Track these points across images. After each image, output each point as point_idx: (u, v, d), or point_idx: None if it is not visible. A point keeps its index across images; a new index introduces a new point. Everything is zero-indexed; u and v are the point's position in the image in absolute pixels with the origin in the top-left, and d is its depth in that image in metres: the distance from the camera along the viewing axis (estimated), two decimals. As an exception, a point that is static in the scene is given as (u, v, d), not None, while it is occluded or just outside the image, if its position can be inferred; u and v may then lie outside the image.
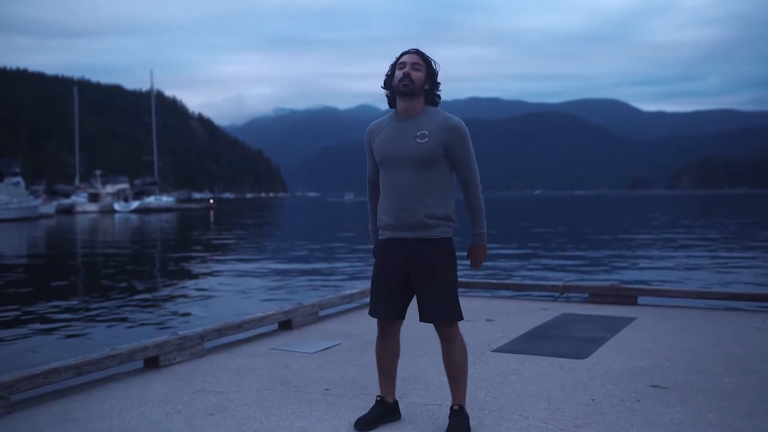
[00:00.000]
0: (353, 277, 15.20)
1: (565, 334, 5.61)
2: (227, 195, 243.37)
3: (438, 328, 3.34)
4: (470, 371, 4.37)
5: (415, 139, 3.26)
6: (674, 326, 5.90)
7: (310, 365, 4.76)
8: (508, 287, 8.01)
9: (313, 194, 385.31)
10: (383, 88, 3.41)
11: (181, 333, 5.00)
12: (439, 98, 3.38)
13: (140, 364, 4.75)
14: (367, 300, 7.30)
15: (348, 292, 7.12)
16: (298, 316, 6.14)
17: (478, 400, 3.86)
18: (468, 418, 3.34)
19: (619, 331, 5.70)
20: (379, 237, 3.45)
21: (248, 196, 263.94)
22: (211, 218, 57.32)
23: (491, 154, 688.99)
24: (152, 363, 4.73)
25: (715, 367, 4.53)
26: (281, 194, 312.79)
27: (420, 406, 3.77)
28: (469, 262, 3.46)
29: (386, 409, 3.51)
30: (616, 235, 29.05)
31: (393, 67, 3.36)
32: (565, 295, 7.42)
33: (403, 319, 3.46)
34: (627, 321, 6.11)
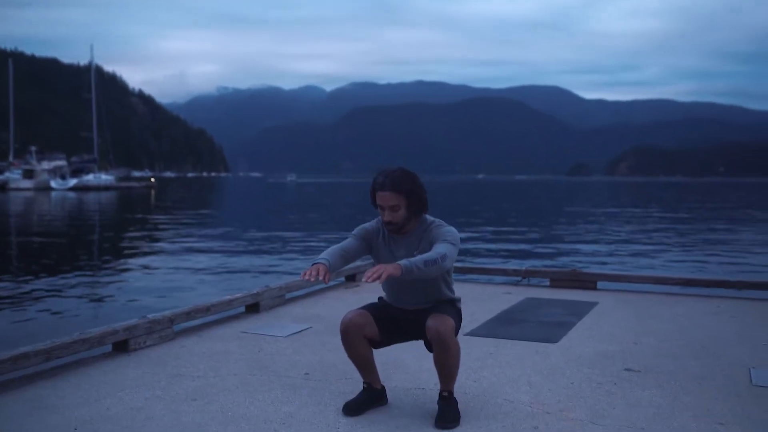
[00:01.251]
0: (304, 254, 15.11)
1: (533, 319, 5.70)
2: (168, 174, 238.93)
3: (436, 333, 3.21)
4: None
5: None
6: (635, 311, 6.06)
7: (285, 349, 4.71)
8: (471, 271, 8.08)
9: (255, 174, 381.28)
10: (372, 204, 3.44)
11: (150, 316, 4.88)
12: (426, 208, 3.38)
13: (108, 348, 4.62)
14: (334, 283, 7.30)
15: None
16: (266, 299, 6.07)
17: (461, 384, 3.87)
18: (457, 402, 3.36)
19: (584, 316, 5.82)
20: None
21: (189, 175, 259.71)
22: (153, 198, 56.19)
23: (436, 138, 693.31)
24: (121, 347, 4.61)
25: (681, 352, 4.67)
26: (223, 174, 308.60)
27: (404, 390, 3.78)
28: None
29: (373, 395, 3.50)
30: (563, 220, 29.65)
31: (372, 194, 3.36)
32: (527, 279, 7.53)
33: (376, 347, 3.50)
34: (590, 305, 6.25)
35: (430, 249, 3.26)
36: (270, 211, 38.08)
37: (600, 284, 7.25)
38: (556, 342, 4.92)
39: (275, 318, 5.76)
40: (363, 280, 2.95)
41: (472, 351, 4.61)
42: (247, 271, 12.99)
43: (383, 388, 3.57)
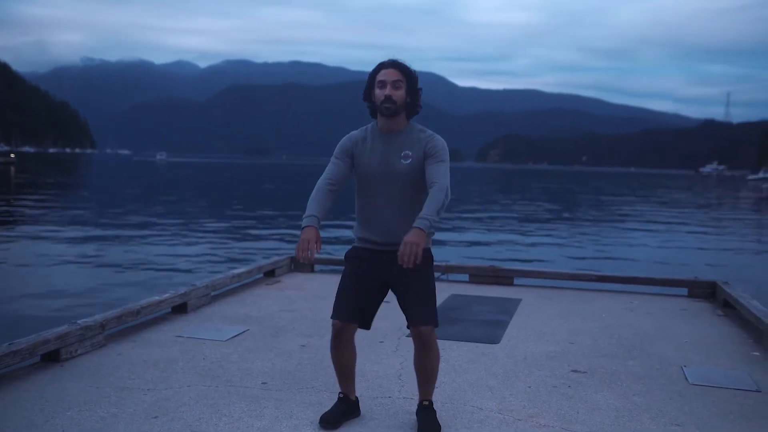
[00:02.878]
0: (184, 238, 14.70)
1: (467, 317, 5.80)
2: (27, 149, 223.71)
3: (419, 334, 3.25)
4: (397, 359, 4.43)
5: (400, 159, 3.24)
6: (559, 309, 6.30)
7: (230, 355, 4.54)
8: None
9: (124, 152, 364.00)
10: (363, 100, 3.32)
11: (81, 322, 4.55)
12: (420, 108, 3.32)
13: (35, 359, 4.27)
14: (254, 278, 7.11)
15: (236, 271, 6.86)
16: (193, 299, 5.83)
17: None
18: (435, 412, 3.37)
19: (513, 314, 5.99)
20: (355, 243, 3.39)
21: (51, 150, 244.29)
22: (12, 175, 52.57)
23: (311, 119, 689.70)
24: (52, 357, 4.27)
25: (616, 351, 4.90)
26: (89, 150, 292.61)
27: (371, 399, 3.74)
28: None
29: (349, 406, 3.45)
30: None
31: (371, 79, 3.27)
32: (446, 275, 7.65)
33: (366, 327, 3.39)
34: (515, 303, 6.44)
35: (423, 158, 3.20)
36: (136, 194, 36.60)
37: (517, 280, 7.49)
38: (498, 342, 5.04)
39: (205, 319, 5.54)
40: (403, 266, 2.90)
41: (421, 354, 4.62)
42: (119, 265, 12.44)
43: (357, 399, 3.52)
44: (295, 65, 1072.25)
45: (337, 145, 3.36)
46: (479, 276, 7.48)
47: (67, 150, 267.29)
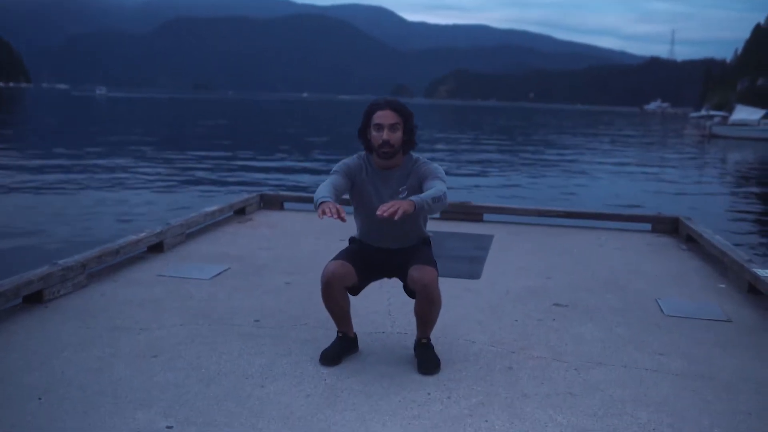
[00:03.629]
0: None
1: (445, 254, 5.87)
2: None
3: (423, 287, 3.24)
4: (384, 295, 4.49)
5: (398, 196, 3.28)
6: (530, 244, 6.44)
7: (217, 294, 4.54)
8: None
9: (62, 86, 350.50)
10: (358, 137, 3.36)
11: (62, 262, 4.47)
12: (416, 143, 3.36)
13: (17, 301, 4.19)
14: (225, 216, 7.05)
15: (209, 209, 6.78)
16: (169, 237, 5.76)
17: (412, 326, 3.92)
18: (433, 347, 3.45)
19: (488, 250, 6.10)
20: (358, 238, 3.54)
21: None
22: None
23: (257, 54, 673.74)
24: (34, 299, 4.20)
25: (592, 285, 5.05)
26: (24, 85, 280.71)
27: (365, 335, 3.79)
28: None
29: (348, 343, 3.51)
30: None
31: (366, 119, 3.29)
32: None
33: (354, 293, 3.49)
34: (488, 239, 6.55)
35: (418, 185, 3.28)
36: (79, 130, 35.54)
37: (486, 216, 7.60)
38: (479, 278, 5.14)
39: (183, 258, 5.50)
40: (378, 214, 2.89)
41: (407, 290, 4.69)
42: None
43: (356, 335, 3.57)
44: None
45: (338, 164, 3.39)
46: (450, 212, 7.55)
47: (1, 84, 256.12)
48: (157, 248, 5.63)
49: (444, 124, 60.14)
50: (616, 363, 3.51)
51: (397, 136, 3.25)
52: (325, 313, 4.01)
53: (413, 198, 3.01)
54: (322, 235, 6.54)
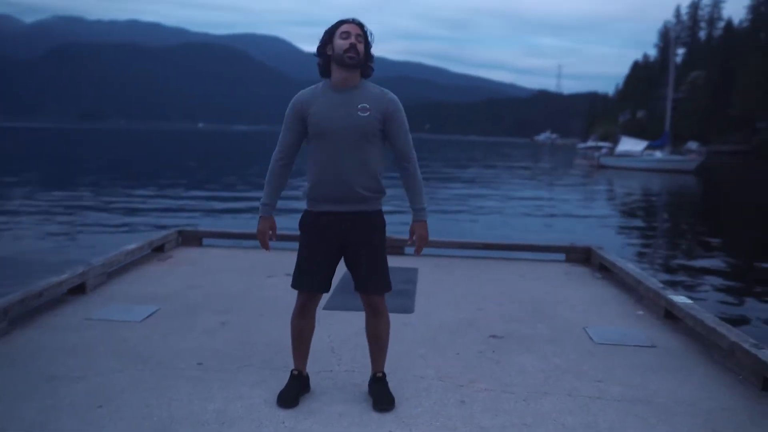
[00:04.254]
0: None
1: (375, 288, 5.92)
2: None
3: (369, 301, 3.38)
4: (323, 331, 4.49)
5: (357, 112, 3.24)
6: (455, 276, 6.58)
7: (152, 336, 4.40)
8: (282, 238, 8.04)
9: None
10: (316, 56, 3.28)
11: (-17, 308, 4.22)
12: (372, 70, 3.35)
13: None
14: (144, 254, 6.84)
15: (129, 247, 6.54)
16: (91, 278, 5.53)
17: (359, 362, 3.98)
18: (388, 384, 3.48)
19: (416, 283, 6.20)
20: (309, 209, 3.35)
21: None
22: None
23: (150, 83, 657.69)
24: (-45, 347, 3.95)
25: (522, 315, 5.23)
26: None
27: (314, 374, 3.75)
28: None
29: (302, 382, 3.49)
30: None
31: (329, 34, 3.25)
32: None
33: (327, 291, 3.43)
34: (413, 272, 6.65)
35: (383, 117, 3.26)
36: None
37: (407, 249, 7.71)
38: (413, 312, 5.21)
39: (108, 299, 5.29)
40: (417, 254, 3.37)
41: (346, 326, 4.70)
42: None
43: (308, 375, 3.55)
44: (133, 24, 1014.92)
45: (286, 113, 3.34)
46: (372, 246, 7.61)
47: None
48: (78, 290, 5.40)
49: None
50: (561, 392, 3.65)
51: (361, 47, 3.23)
52: (269, 354, 4.01)
53: (422, 217, 3.36)
54: (246, 272, 6.46)
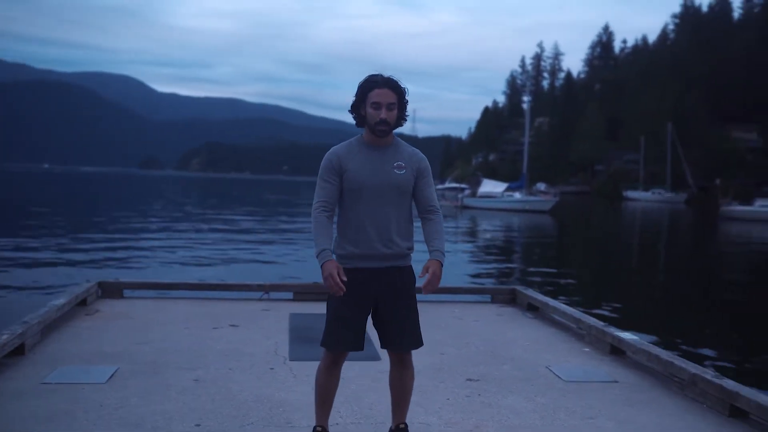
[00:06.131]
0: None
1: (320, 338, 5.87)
2: None
3: (401, 357, 3.38)
4: (308, 385, 4.44)
5: (394, 170, 3.30)
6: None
7: (128, 399, 4.14)
8: (210, 288, 7.80)
9: None
10: (350, 111, 3.33)
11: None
12: (406, 119, 3.41)
13: None
14: (76, 309, 6.42)
15: (58, 302, 6.09)
16: (29, 338, 5.11)
17: (358, 414, 3.96)
18: (409, 433, 3.49)
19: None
20: (344, 266, 3.32)
21: None
22: None
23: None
24: None
25: (482, 358, 5.37)
26: None
27: (330, 426, 3.70)
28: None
29: (325, 439, 3.42)
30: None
31: (362, 95, 3.29)
32: (268, 293, 7.59)
33: (361, 349, 3.43)
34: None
35: (413, 178, 3.34)
36: None
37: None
38: (380, 359, 5.22)
39: (54, 360, 4.90)
40: (423, 293, 3.25)
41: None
42: None
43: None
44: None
45: (322, 167, 3.34)
46: (303, 293, 7.54)
47: None
48: (19, 351, 4.97)
49: (197, 199, 59.15)
50: (564, 431, 3.81)
51: (393, 115, 3.27)
52: (264, 411, 3.92)
53: (439, 258, 3.27)
54: (187, 324, 6.20)
